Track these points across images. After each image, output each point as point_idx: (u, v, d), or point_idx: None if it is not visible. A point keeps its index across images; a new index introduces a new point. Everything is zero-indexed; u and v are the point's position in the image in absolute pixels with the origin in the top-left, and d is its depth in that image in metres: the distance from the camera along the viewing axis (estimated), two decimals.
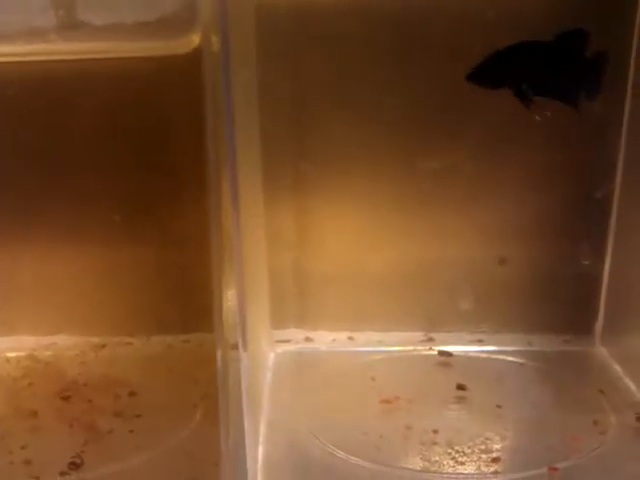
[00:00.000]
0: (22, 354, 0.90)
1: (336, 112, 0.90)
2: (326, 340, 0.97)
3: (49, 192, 0.92)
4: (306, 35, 0.86)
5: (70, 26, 0.72)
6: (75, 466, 0.70)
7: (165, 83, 0.79)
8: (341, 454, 0.73)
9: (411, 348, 0.94)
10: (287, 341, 0.97)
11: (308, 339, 0.97)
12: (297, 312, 0.98)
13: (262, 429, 0.77)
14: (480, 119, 0.88)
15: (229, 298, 0.67)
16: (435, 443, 0.74)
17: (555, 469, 0.70)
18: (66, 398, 0.81)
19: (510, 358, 0.92)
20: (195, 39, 0.66)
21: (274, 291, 0.96)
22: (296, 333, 0.98)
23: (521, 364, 0.91)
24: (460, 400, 0.82)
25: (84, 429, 0.75)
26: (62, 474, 0.69)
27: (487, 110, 0.86)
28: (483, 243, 0.95)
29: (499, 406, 0.80)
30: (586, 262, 0.94)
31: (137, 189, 0.92)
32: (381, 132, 0.91)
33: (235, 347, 0.68)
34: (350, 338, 0.97)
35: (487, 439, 0.75)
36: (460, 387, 0.84)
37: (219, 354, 0.67)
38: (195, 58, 0.63)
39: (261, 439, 0.75)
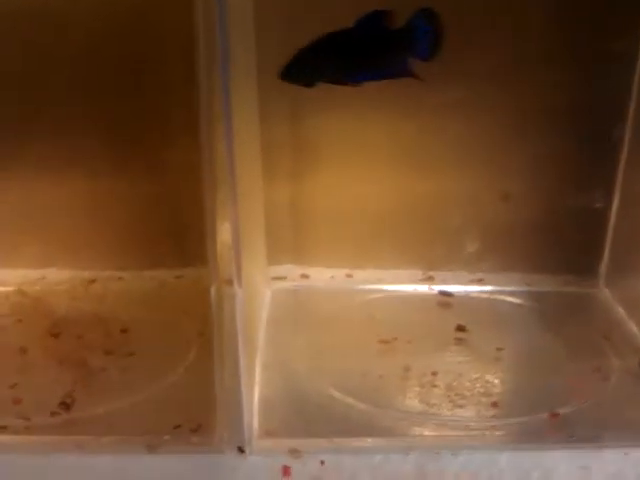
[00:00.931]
0: (10, 289, 0.87)
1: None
2: (324, 277, 0.94)
3: (35, 121, 0.87)
4: None
5: None
6: (66, 406, 0.68)
7: (157, 15, 0.75)
8: (338, 395, 0.71)
9: (411, 287, 0.92)
10: (283, 278, 0.95)
11: (305, 276, 0.95)
12: (294, 248, 0.95)
13: (258, 369, 0.75)
14: (483, 52, 0.84)
15: (223, 231, 0.64)
16: (434, 385, 0.73)
17: (556, 414, 0.69)
18: (56, 335, 0.78)
19: (511, 299, 0.90)
20: None
21: (270, 226, 0.93)
22: (293, 269, 0.96)
23: (522, 305, 0.89)
24: (460, 342, 0.80)
25: (75, 367, 0.73)
26: (53, 414, 0.67)
27: (488, 45, 0.82)
28: (486, 178, 0.91)
29: (499, 349, 0.79)
30: (593, 202, 0.91)
31: (126, 117, 0.88)
32: None
33: (229, 282, 0.65)
34: (348, 275, 0.94)
35: (487, 382, 0.74)
36: (460, 328, 0.82)
37: (213, 289, 0.64)
38: None
39: (257, 379, 0.74)
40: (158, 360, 0.75)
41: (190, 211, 0.88)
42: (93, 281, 0.90)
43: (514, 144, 0.89)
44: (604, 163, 0.90)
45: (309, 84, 0.72)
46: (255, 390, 0.72)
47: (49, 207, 0.92)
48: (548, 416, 0.69)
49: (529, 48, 0.85)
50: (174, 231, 0.91)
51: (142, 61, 0.84)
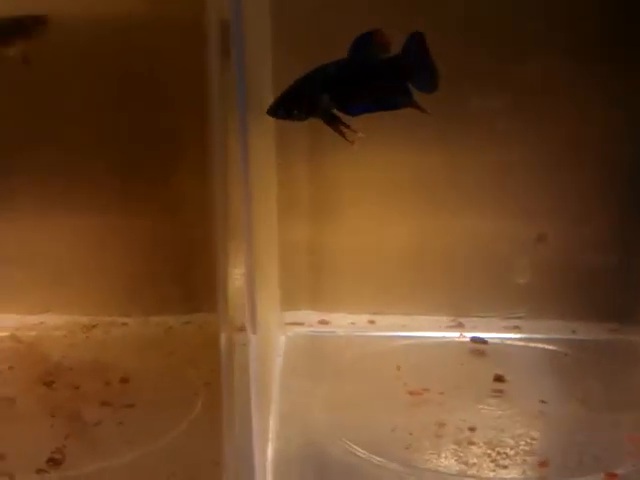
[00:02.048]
0: (4, 334, 0.81)
1: None
2: (344, 323, 0.87)
3: (35, 156, 0.83)
4: None
5: None
6: (54, 463, 0.60)
7: (170, 45, 0.72)
8: (364, 453, 0.63)
9: (440, 334, 0.84)
10: (300, 324, 0.88)
11: (323, 322, 0.88)
12: (311, 292, 0.88)
13: (272, 423, 0.67)
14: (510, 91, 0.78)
15: (236, 275, 0.58)
16: (472, 443, 0.65)
17: (613, 475, 0.60)
18: (49, 384, 0.71)
19: (550, 347, 0.82)
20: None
21: (285, 267, 0.86)
22: (310, 315, 0.88)
23: (562, 353, 0.81)
24: (498, 394, 0.72)
25: (67, 420, 0.66)
26: (39, 471, 0.59)
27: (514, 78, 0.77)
28: (520, 217, 0.85)
29: (543, 401, 0.70)
30: (634, 245, 0.84)
31: (133, 153, 0.83)
32: None
33: (242, 329, 0.59)
34: (370, 321, 0.87)
35: (532, 439, 0.65)
36: (498, 379, 0.74)
37: (223, 337, 0.57)
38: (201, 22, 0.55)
39: (271, 435, 0.66)
40: (160, 413, 0.68)
41: (198, 254, 0.83)
42: (94, 326, 0.83)
43: (550, 181, 0.82)
44: None
45: (299, 118, 0.65)
46: (268, 447, 0.64)
47: (49, 248, 0.86)
48: (604, 477, 0.60)
49: (561, 84, 0.80)
50: (182, 275, 0.85)
51: (155, 100, 0.80)
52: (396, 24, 0.62)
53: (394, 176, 0.84)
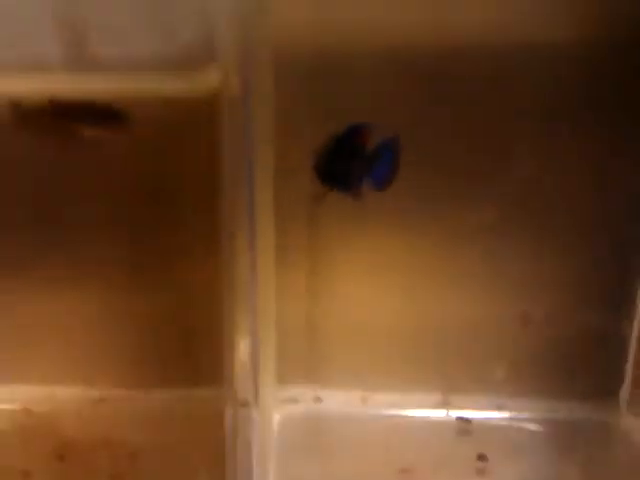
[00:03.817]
0: (16, 407, 0.85)
1: None
2: (337, 400, 0.92)
3: (48, 233, 0.87)
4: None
5: (79, 60, 0.68)
6: None
7: (180, 127, 0.75)
8: None
9: (428, 413, 0.89)
10: (294, 401, 0.92)
11: (317, 399, 0.92)
12: (306, 367, 0.93)
13: None
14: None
15: (241, 352, 0.63)
16: None
17: None
18: (61, 458, 0.75)
19: (531, 426, 0.87)
20: (213, 80, 0.62)
21: (281, 345, 0.91)
22: (305, 392, 0.93)
23: (543, 433, 0.86)
24: (481, 472, 0.77)
25: None
26: None
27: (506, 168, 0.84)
28: (504, 301, 0.90)
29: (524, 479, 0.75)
30: (613, 326, 0.90)
31: (144, 236, 0.88)
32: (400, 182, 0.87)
33: (244, 404, 0.63)
34: (363, 399, 0.91)
35: None
36: (481, 457, 0.79)
37: (229, 412, 0.62)
38: (212, 101, 0.59)
39: None
40: None
41: (201, 331, 0.88)
42: (102, 400, 0.87)
43: (534, 267, 0.88)
44: (623, 287, 0.89)
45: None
46: None
47: (59, 322, 0.91)
48: None
49: (548, 168, 0.87)
50: (184, 350, 0.90)
51: (161, 176, 0.83)
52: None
53: (387, 258, 0.90)
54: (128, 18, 0.65)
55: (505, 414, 0.89)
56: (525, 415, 0.88)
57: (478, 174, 0.85)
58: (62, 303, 0.90)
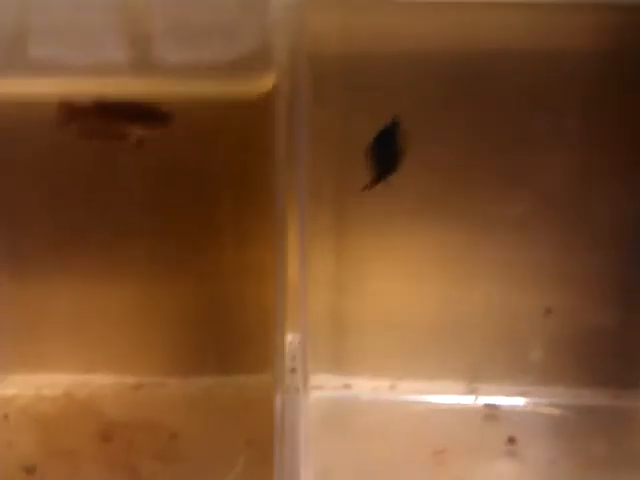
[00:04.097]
0: (57, 392, 0.87)
1: None
2: (365, 388, 0.94)
3: (87, 224, 0.89)
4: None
5: (144, 63, 0.71)
6: None
7: (235, 126, 0.76)
8: None
9: (456, 399, 0.91)
10: (322, 388, 0.94)
11: (346, 386, 0.95)
12: (333, 357, 0.95)
13: None
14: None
15: (290, 341, 0.65)
16: None
17: None
18: (106, 439, 0.78)
19: (558, 411, 0.89)
20: (268, 83, 0.65)
21: (309, 334, 0.93)
22: (332, 379, 0.95)
23: (569, 418, 0.88)
24: (511, 454, 0.79)
25: (125, 472, 0.72)
26: None
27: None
28: (530, 292, 0.93)
29: (553, 461, 0.78)
30: (637, 316, 0.92)
31: (176, 225, 0.90)
32: (431, 175, 0.90)
33: (295, 391, 0.66)
34: (392, 387, 0.94)
35: None
36: (510, 441, 0.81)
37: (278, 398, 0.64)
38: (267, 102, 0.62)
39: None
40: (207, 467, 0.74)
41: (232, 320, 0.91)
42: (139, 386, 0.90)
43: (559, 258, 0.90)
44: None
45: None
46: None
47: (96, 314, 0.93)
48: None
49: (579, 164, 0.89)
50: (216, 339, 0.92)
51: (199, 166, 0.84)
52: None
53: (416, 247, 0.92)
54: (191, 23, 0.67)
55: (531, 400, 0.91)
56: (550, 401, 0.91)
57: (508, 168, 0.88)
58: (98, 297, 0.91)
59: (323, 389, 0.93)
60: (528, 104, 0.85)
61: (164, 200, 0.89)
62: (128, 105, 0.73)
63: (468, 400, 0.91)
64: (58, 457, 0.75)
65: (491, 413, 0.89)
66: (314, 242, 0.91)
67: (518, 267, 0.92)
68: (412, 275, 0.95)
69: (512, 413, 0.89)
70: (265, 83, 0.64)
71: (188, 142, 0.81)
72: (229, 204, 0.85)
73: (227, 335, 0.90)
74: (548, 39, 0.83)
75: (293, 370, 0.76)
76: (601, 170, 0.87)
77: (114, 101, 0.73)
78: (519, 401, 0.91)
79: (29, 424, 0.80)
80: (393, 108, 0.86)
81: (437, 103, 0.87)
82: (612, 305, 0.93)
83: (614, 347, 0.92)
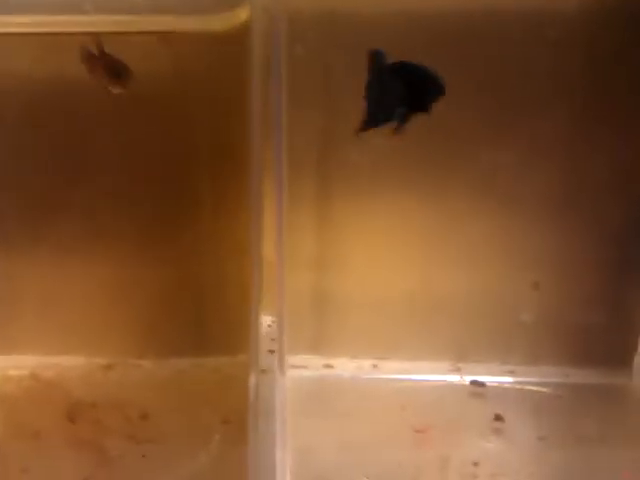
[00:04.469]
0: (23, 372, 0.83)
1: None
2: (348, 367, 0.91)
3: (57, 201, 0.86)
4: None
5: None
6: None
7: (208, 62, 0.72)
8: None
9: (441, 377, 0.88)
10: (303, 367, 0.91)
11: (328, 366, 0.91)
12: (315, 337, 0.92)
13: (289, 460, 0.71)
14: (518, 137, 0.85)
15: (265, 322, 0.63)
16: (476, 476, 0.68)
17: None
18: (72, 419, 0.74)
19: (545, 389, 0.86)
20: (242, 14, 0.61)
21: (288, 313, 0.90)
22: (313, 360, 0.92)
23: (557, 396, 0.85)
24: (498, 431, 0.76)
25: (92, 452, 0.69)
26: None
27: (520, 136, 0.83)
28: (517, 268, 0.90)
29: (541, 438, 0.75)
30: (623, 293, 0.89)
31: (153, 203, 0.87)
32: (414, 149, 0.86)
33: (267, 373, 0.63)
34: (374, 366, 0.91)
35: (532, 473, 0.69)
36: (497, 418, 0.78)
37: (253, 378, 0.61)
38: (241, 35, 0.59)
39: (288, 472, 0.69)
40: (180, 447, 0.71)
41: (211, 300, 0.87)
42: (110, 367, 0.86)
43: (546, 234, 0.87)
44: (636, 252, 0.88)
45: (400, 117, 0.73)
46: None
47: (67, 292, 0.89)
48: None
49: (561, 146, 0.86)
50: (192, 321, 0.89)
51: (171, 145, 0.82)
52: None
53: (399, 225, 0.89)
54: None
55: (518, 379, 0.88)
56: (538, 380, 0.88)
57: (493, 140, 0.85)
58: (68, 276, 0.89)
59: (305, 369, 0.90)
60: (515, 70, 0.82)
61: (139, 165, 0.85)
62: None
63: (453, 378, 0.88)
64: (22, 437, 0.71)
65: (477, 391, 0.86)
66: (294, 219, 0.89)
67: (504, 240, 0.89)
68: (395, 252, 0.91)
69: (499, 390, 0.86)
70: (242, 16, 0.61)
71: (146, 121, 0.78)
72: (206, 169, 0.82)
73: (204, 316, 0.87)
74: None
75: (271, 351, 0.72)
76: (589, 143, 0.84)
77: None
78: (506, 379, 0.88)
79: None
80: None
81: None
82: (602, 280, 0.90)
83: (602, 326, 0.90)
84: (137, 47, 0.69)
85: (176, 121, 0.79)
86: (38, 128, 0.81)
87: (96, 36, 0.69)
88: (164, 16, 0.67)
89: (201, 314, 0.88)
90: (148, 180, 0.85)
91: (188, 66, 0.70)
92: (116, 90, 0.71)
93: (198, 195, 0.86)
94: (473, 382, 0.87)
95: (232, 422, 0.73)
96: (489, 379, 0.88)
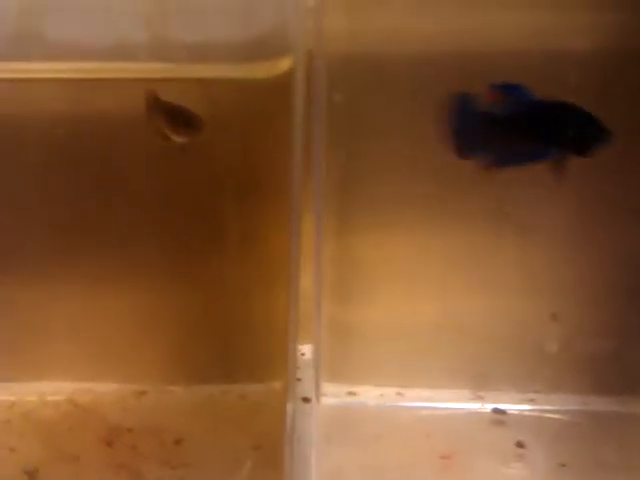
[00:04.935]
0: (60, 398, 0.86)
1: (388, 164, 0.89)
2: (372, 395, 0.93)
3: (92, 230, 0.89)
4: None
5: (161, 45, 0.71)
6: None
7: (250, 109, 0.76)
8: None
9: (463, 405, 0.90)
10: (329, 395, 0.94)
11: (352, 393, 0.94)
12: (339, 366, 0.95)
13: None
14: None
15: (303, 351, 0.65)
16: None
17: None
18: (109, 443, 0.77)
19: (566, 418, 0.88)
20: (285, 64, 0.65)
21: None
22: (338, 387, 0.94)
23: (577, 423, 0.87)
24: (521, 458, 0.78)
25: (130, 476, 0.71)
26: None
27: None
28: (535, 298, 0.92)
29: (563, 464, 0.77)
30: None
31: (185, 232, 0.90)
32: (433, 180, 0.89)
33: (306, 401, 0.66)
34: (398, 394, 0.93)
35: None
36: (519, 445, 0.80)
37: (290, 407, 0.64)
38: (284, 84, 0.62)
39: None
40: (214, 471, 0.73)
41: (238, 328, 0.90)
42: (143, 393, 0.89)
43: (564, 262, 0.90)
44: None
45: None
46: None
47: (99, 321, 0.92)
48: None
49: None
50: (221, 347, 0.91)
51: (202, 182, 0.85)
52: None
53: (421, 257, 0.92)
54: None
55: (538, 407, 0.90)
56: (558, 408, 0.90)
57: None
58: (102, 304, 0.91)
59: (329, 396, 0.93)
60: None
61: (172, 199, 0.88)
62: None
63: (475, 406, 0.90)
64: (60, 461, 0.74)
65: (498, 418, 0.88)
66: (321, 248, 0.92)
67: (524, 271, 0.91)
68: (416, 281, 0.94)
69: (520, 418, 0.88)
70: (285, 65, 0.64)
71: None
72: (236, 204, 0.85)
73: (232, 343, 0.90)
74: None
75: (298, 379, 0.74)
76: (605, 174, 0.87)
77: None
78: (526, 407, 0.90)
79: (31, 429, 0.79)
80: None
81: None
82: (618, 311, 0.92)
83: (619, 355, 0.92)
84: (183, 94, 0.73)
85: (209, 163, 0.83)
86: (78, 162, 0.85)
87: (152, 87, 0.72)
88: (208, 65, 0.71)
89: (229, 342, 0.91)
90: (179, 214, 0.89)
91: (227, 111, 0.73)
92: (180, 139, 0.74)
93: (226, 227, 0.89)
94: (495, 410, 0.89)
95: (263, 448, 0.75)
96: (510, 407, 0.90)
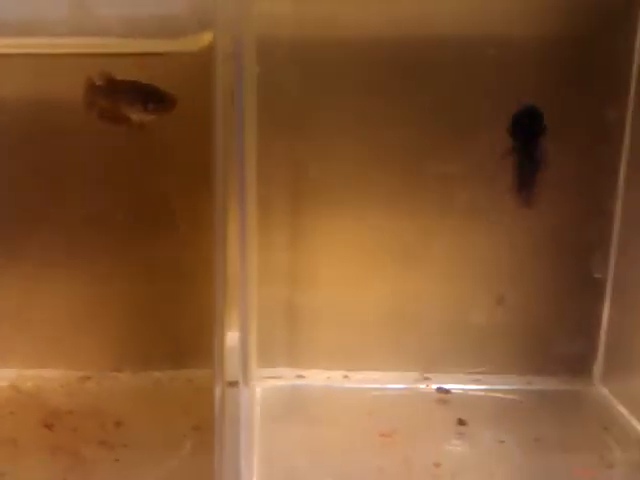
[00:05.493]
0: (3, 384, 0.86)
1: (336, 141, 0.89)
2: (319, 377, 0.94)
3: (35, 217, 0.89)
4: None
5: (80, 19, 0.70)
6: None
7: (172, 84, 0.76)
8: None
9: (408, 386, 0.91)
10: (277, 377, 0.94)
11: (300, 376, 0.94)
12: (287, 350, 0.95)
13: (256, 466, 0.73)
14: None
15: (231, 336, 0.66)
16: (437, 476, 0.71)
17: None
18: (49, 426, 0.77)
19: (509, 396, 0.89)
20: (206, 38, 0.65)
21: (262, 327, 0.93)
22: (286, 371, 0.95)
23: (520, 402, 0.88)
24: (461, 435, 0.79)
25: (67, 457, 0.71)
26: None
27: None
28: (481, 282, 0.93)
29: (501, 441, 0.78)
30: (585, 303, 0.93)
31: (126, 218, 0.89)
32: (380, 168, 0.90)
33: (233, 385, 0.66)
34: (345, 376, 0.94)
35: (492, 473, 0.72)
36: (460, 422, 0.81)
37: (218, 389, 0.64)
38: (205, 58, 0.62)
39: (255, 477, 0.72)
40: (153, 451, 0.73)
41: (185, 315, 0.90)
42: (88, 378, 0.88)
43: (508, 247, 0.91)
44: (595, 265, 0.92)
45: None
46: None
47: (45, 307, 0.92)
48: None
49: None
50: (167, 336, 0.91)
51: (146, 163, 0.86)
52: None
53: (369, 242, 0.92)
54: None
55: (483, 386, 0.91)
56: (502, 387, 0.91)
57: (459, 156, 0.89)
58: (48, 292, 0.91)
59: (277, 380, 0.93)
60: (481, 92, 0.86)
61: (116, 183, 0.88)
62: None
63: (419, 387, 0.91)
64: None
65: (442, 398, 0.89)
66: (267, 237, 0.92)
67: (471, 255, 0.92)
68: (365, 266, 0.95)
69: (464, 397, 0.89)
70: (206, 38, 0.63)
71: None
72: (179, 186, 0.84)
73: (179, 330, 0.90)
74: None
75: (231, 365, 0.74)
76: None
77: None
78: (471, 387, 0.91)
79: None
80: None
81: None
82: (563, 294, 0.94)
83: (562, 337, 0.93)
84: (115, 69, 0.72)
85: (153, 140, 0.82)
86: (20, 146, 0.85)
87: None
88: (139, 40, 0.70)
89: (176, 328, 0.91)
90: (124, 198, 0.89)
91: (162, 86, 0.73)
92: (146, 117, 0.72)
93: (172, 212, 0.88)
94: (439, 389, 0.90)
95: (203, 429, 0.75)
96: (455, 386, 0.91)
